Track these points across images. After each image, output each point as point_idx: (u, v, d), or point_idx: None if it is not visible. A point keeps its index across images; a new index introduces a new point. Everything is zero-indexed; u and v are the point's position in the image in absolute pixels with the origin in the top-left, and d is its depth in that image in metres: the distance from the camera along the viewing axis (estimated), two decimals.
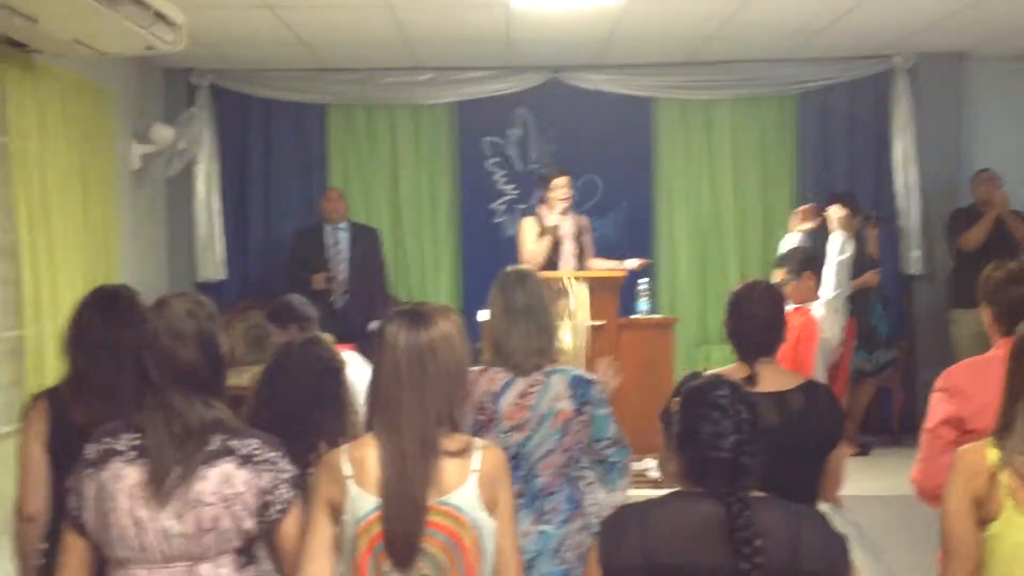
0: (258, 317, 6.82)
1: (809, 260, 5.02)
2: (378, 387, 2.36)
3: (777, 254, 5.47)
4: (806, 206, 5.56)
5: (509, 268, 3.40)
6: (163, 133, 7.06)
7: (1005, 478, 2.26)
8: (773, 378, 3.06)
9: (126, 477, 2.26)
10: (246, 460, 2.29)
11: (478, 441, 2.42)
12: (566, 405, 3.16)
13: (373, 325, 6.67)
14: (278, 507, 2.31)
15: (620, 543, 2.19)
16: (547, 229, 6.54)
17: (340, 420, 2.87)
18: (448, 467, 2.31)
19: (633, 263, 6.64)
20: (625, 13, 6.13)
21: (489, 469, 2.34)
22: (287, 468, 2.33)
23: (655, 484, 5.71)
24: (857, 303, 6.89)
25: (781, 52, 7.44)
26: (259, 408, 2.89)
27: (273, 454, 2.33)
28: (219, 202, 7.73)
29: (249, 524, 2.30)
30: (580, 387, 3.19)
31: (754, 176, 8.05)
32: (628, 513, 2.26)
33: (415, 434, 2.30)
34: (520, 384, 3.17)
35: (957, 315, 7.06)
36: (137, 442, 2.28)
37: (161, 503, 2.25)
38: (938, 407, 3.09)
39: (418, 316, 2.39)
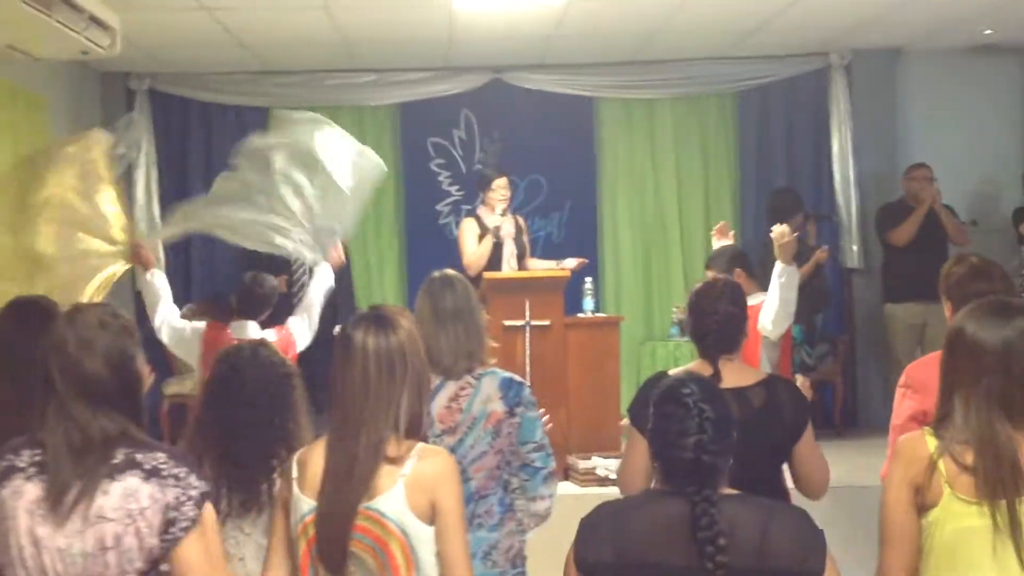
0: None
1: (738, 257, 5.06)
2: (341, 392, 2.35)
3: None
4: (721, 224, 5.60)
5: (436, 272, 3.39)
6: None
7: (943, 466, 2.30)
8: (735, 374, 3.08)
9: (25, 494, 2.16)
10: (151, 474, 2.17)
11: (422, 447, 2.40)
12: (497, 407, 3.14)
13: (336, 329, 6.63)
14: (182, 525, 2.18)
15: (594, 541, 2.20)
16: (490, 230, 6.54)
17: (297, 425, 2.85)
18: (381, 472, 2.31)
19: (571, 263, 6.67)
20: (566, 13, 6.16)
21: (422, 475, 2.32)
22: (195, 484, 2.20)
23: (603, 482, 5.76)
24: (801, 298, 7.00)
25: (720, 51, 7.53)
26: (207, 415, 2.85)
27: (181, 469, 2.20)
28: (159, 208, 7.62)
29: (152, 542, 2.17)
30: (511, 389, 3.17)
31: (696, 174, 8.13)
32: (603, 511, 2.27)
33: (371, 439, 2.30)
34: (451, 387, 3.15)
35: (890, 309, 7.17)
36: (38, 458, 2.19)
37: (60, 520, 2.14)
38: (903, 403, 3.14)
39: (383, 320, 2.38)
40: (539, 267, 6.72)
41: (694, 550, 2.11)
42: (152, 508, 2.16)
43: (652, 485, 2.38)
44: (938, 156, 7.37)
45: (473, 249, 6.57)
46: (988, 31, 7.12)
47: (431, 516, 2.33)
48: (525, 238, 6.82)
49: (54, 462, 2.17)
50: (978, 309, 2.42)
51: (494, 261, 6.55)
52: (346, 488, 2.28)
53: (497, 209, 6.60)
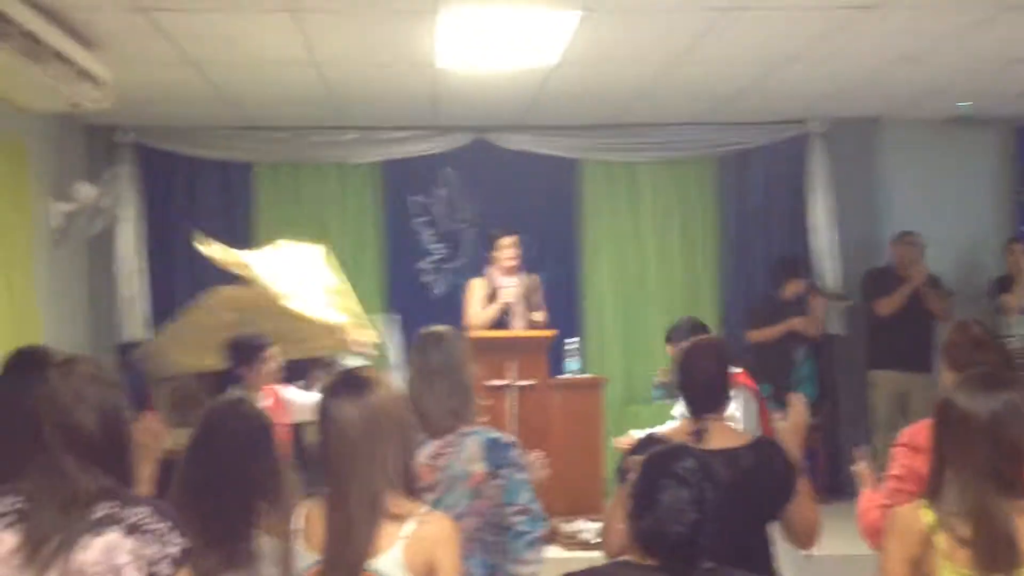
0: (185, 378, 6.70)
1: (698, 328, 5.16)
2: (327, 458, 2.35)
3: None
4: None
5: (424, 329, 3.39)
6: (85, 191, 6.93)
7: (941, 541, 2.31)
8: (722, 435, 3.08)
9: (3, 543, 2.13)
10: (133, 529, 2.13)
11: (423, 509, 2.41)
12: (479, 467, 3.11)
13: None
14: None
15: None
16: (495, 293, 6.59)
17: (276, 479, 2.83)
18: (381, 530, 2.31)
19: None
20: (550, 76, 6.23)
21: (422, 537, 2.32)
22: (175, 541, 2.16)
23: (586, 546, 5.71)
24: (779, 359, 7.05)
25: (701, 116, 7.63)
26: (189, 470, 2.83)
27: (162, 525, 2.16)
28: (143, 261, 7.61)
29: None
30: (496, 449, 3.14)
31: (677, 237, 8.19)
32: None
33: (365, 499, 2.31)
34: (434, 444, 3.14)
35: (873, 376, 7.20)
36: (19, 506, 2.15)
37: (36, 572, 2.09)
38: (901, 459, 3.16)
39: (358, 384, 2.39)
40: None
41: None
42: (132, 564, 2.12)
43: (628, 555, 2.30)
44: (918, 224, 7.47)
45: (476, 311, 6.59)
46: (965, 103, 7.25)
47: None
48: (536, 297, 6.82)
49: (35, 512, 2.13)
50: (968, 381, 2.46)
51: (504, 323, 6.63)
52: (347, 550, 2.28)
53: (505, 267, 6.70)
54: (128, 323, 7.54)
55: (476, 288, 6.75)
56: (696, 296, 8.17)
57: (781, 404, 6.98)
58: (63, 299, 7.01)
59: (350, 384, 2.40)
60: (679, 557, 2.12)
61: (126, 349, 7.43)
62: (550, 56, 5.75)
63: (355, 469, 2.32)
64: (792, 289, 7.31)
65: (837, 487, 7.53)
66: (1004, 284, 7.22)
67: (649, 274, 8.17)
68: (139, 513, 2.16)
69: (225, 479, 2.76)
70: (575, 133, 7.88)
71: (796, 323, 7.08)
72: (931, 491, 2.39)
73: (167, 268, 7.79)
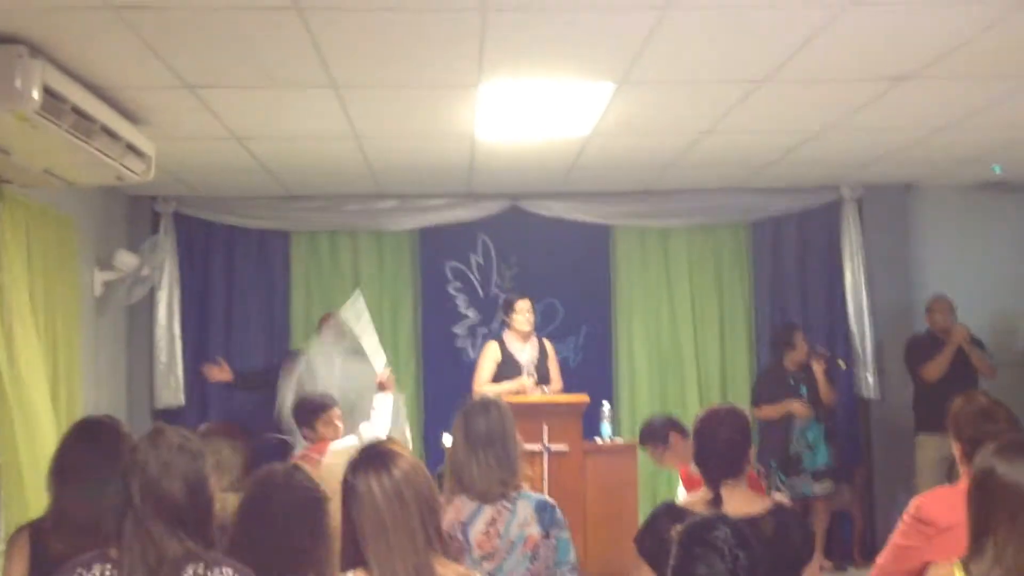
0: (218, 444, 6.74)
1: (667, 423, 5.23)
2: (363, 536, 2.38)
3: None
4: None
5: (474, 397, 3.44)
6: (126, 260, 7.07)
7: None
8: (741, 502, 3.09)
9: None
10: None
11: (476, 574, 2.45)
12: (534, 530, 3.17)
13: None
14: None
15: None
16: (508, 358, 6.65)
17: (326, 551, 2.85)
18: None
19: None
20: (585, 146, 6.32)
21: None
22: None
23: None
24: (779, 431, 7.04)
25: (733, 183, 7.69)
26: (239, 538, 2.86)
27: None
28: (179, 328, 7.71)
29: None
30: (546, 511, 3.22)
31: (711, 302, 8.21)
32: None
33: (410, 568, 2.33)
34: (488, 512, 3.18)
35: (922, 440, 7.18)
36: (108, 573, 2.27)
37: None
38: (908, 530, 3.20)
39: (379, 457, 2.44)
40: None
41: None
42: None
43: None
44: (951, 289, 7.48)
45: (485, 379, 6.64)
46: (997, 168, 7.27)
47: None
48: (550, 363, 6.86)
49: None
50: (1006, 449, 2.47)
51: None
52: None
53: (521, 330, 6.77)
54: (164, 389, 7.62)
55: (489, 352, 6.81)
56: (730, 362, 8.17)
57: (787, 474, 7.02)
58: (102, 365, 7.11)
59: (372, 458, 2.44)
60: None
61: (161, 415, 7.53)
62: (584, 127, 5.84)
63: (393, 543, 2.34)
64: (794, 359, 7.29)
65: (873, 551, 7.46)
66: None
67: (682, 339, 8.18)
68: (224, 573, 2.31)
69: (274, 548, 2.79)
70: (608, 200, 7.95)
71: (795, 407, 7.07)
72: (970, 554, 2.41)
73: (203, 334, 7.89)
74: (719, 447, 3.18)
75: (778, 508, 3.18)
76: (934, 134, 6.17)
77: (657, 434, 5.47)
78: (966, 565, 2.39)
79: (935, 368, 7.15)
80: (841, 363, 7.28)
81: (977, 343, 7.30)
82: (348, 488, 2.44)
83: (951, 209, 7.94)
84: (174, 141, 5.79)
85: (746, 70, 4.82)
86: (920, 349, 7.32)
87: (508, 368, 6.78)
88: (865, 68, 4.83)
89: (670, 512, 3.19)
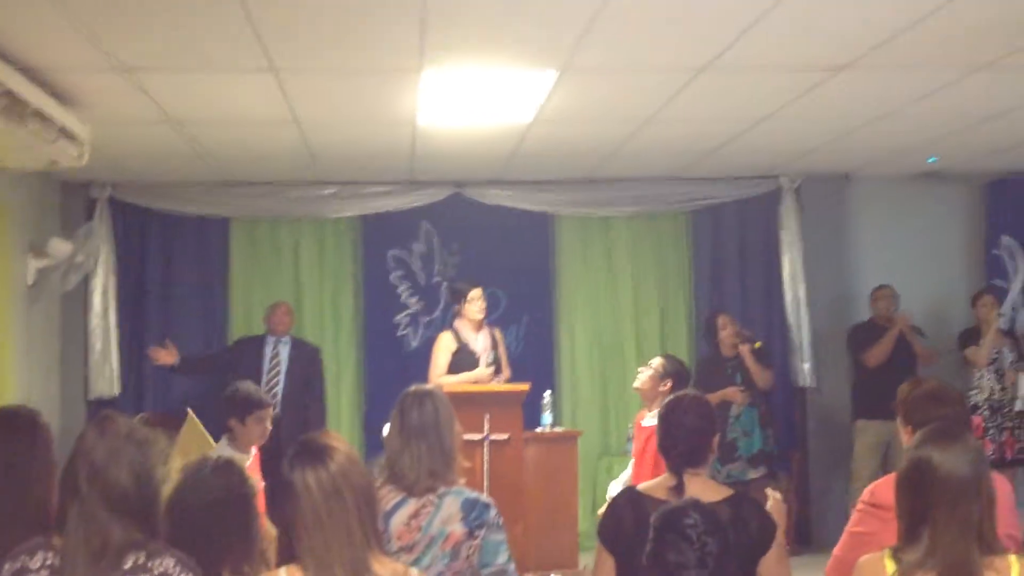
0: (156, 434, 6.65)
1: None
2: (299, 532, 2.36)
3: None
4: None
5: (411, 388, 3.40)
6: (60, 247, 6.92)
7: None
8: (701, 489, 3.10)
9: None
10: None
11: (413, 571, 2.42)
12: (457, 528, 3.11)
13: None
14: None
15: None
16: (463, 347, 6.64)
17: (245, 549, 2.81)
18: None
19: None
20: (527, 133, 6.31)
21: None
22: None
23: None
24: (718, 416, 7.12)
25: (674, 172, 7.74)
26: (168, 532, 2.81)
27: (186, 575, 2.30)
28: (115, 317, 7.57)
29: None
30: (474, 510, 3.15)
31: (651, 290, 8.26)
32: None
33: (349, 566, 2.30)
34: (412, 505, 3.13)
35: (861, 425, 7.31)
36: (51, 561, 2.26)
37: None
38: (863, 517, 3.22)
39: (315, 451, 2.41)
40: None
41: None
42: None
43: None
44: (887, 278, 7.61)
45: (442, 370, 6.61)
46: (933, 158, 7.40)
47: None
48: (500, 351, 6.86)
49: (70, 565, 2.24)
50: (938, 437, 2.46)
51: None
52: None
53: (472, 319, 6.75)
54: (99, 378, 7.49)
55: (443, 343, 6.77)
56: (671, 349, 8.17)
57: (723, 462, 7.08)
58: (35, 355, 6.96)
59: (308, 452, 2.42)
60: None
61: (95, 406, 7.40)
62: (526, 114, 5.84)
63: (331, 539, 2.32)
64: (724, 344, 7.35)
65: (806, 537, 7.59)
66: (971, 336, 7.34)
67: (623, 327, 8.23)
68: (165, 564, 2.28)
69: (201, 541, 2.74)
70: (550, 188, 7.96)
71: (731, 394, 7.16)
72: (901, 544, 2.41)
73: (140, 323, 7.76)
74: (684, 435, 3.17)
75: (737, 496, 3.18)
76: (871, 124, 6.26)
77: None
78: (897, 554, 2.40)
79: (878, 354, 7.27)
80: (757, 344, 7.36)
81: (917, 331, 7.44)
82: (284, 485, 2.41)
83: (887, 199, 8.06)
84: (110, 125, 5.68)
85: (686, 59, 4.85)
86: (863, 336, 7.45)
87: (463, 358, 6.75)
88: (802, 58, 4.87)
89: (631, 498, 3.19)
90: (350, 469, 2.39)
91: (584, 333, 8.21)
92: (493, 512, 3.18)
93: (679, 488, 3.06)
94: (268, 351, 7.22)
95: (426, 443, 3.19)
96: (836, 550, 3.28)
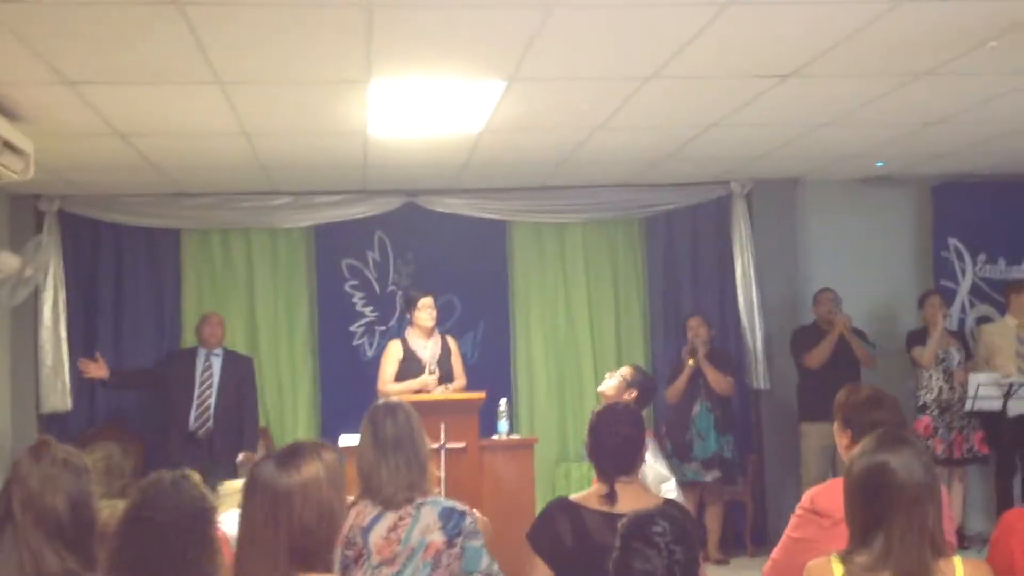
0: (108, 448, 6.59)
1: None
2: (243, 529, 2.33)
3: None
4: None
5: (380, 401, 3.40)
6: (8, 261, 6.82)
7: None
8: (633, 498, 3.13)
9: None
10: None
11: None
12: (437, 537, 3.13)
13: (240, 457, 6.59)
14: None
15: None
16: (412, 356, 6.61)
17: (212, 563, 2.79)
18: None
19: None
20: (479, 142, 6.33)
21: None
22: None
23: None
24: (679, 416, 7.20)
25: (626, 179, 7.78)
26: (122, 548, 2.78)
27: None
28: (66, 330, 7.48)
29: None
30: (452, 518, 3.17)
31: (606, 296, 8.30)
32: None
33: None
34: (389, 517, 3.13)
35: (805, 428, 7.37)
36: None
37: None
38: (801, 523, 3.23)
39: (286, 459, 2.39)
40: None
41: None
42: None
43: None
44: (837, 281, 7.69)
45: (389, 378, 6.59)
46: (881, 163, 7.50)
47: None
48: (454, 359, 6.84)
49: None
50: (890, 442, 2.48)
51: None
52: None
53: (424, 327, 6.72)
54: (50, 393, 7.39)
55: (391, 351, 6.75)
56: (626, 354, 8.26)
57: (681, 460, 7.16)
58: None
59: (280, 458, 2.40)
60: None
61: (47, 420, 7.32)
62: (476, 123, 5.85)
63: (266, 544, 2.31)
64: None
65: (763, 538, 7.65)
66: (919, 337, 7.44)
67: (579, 333, 8.26)
68: None
69: (157, 558, 2.72)
70: (503, 196, 7.97)
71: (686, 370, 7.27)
72: (851, 548, 2.43)
73: (91, 336, 7.67)
74: (615, 444, 3.21)
75: (669, 505, 3.22)
76: (818, 130, 6.33)
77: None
78: (847, 557, 2.41)
79: (818, 355, 7.35)
80: (691, 361, 7.42)
81: (859, 333, 7.53)
82: (248, 479, 2.39)
83: (836, 203, 8.15)
84: (55, 138, 5.63)
85: (633, 67, 4.88)
86: (804, 339, 7.53)
87: (411, 366, 6.72)
88: (748, 66, 4.93)
89: (564, 508, 3.22)
90: (306, 489, 2.35)
91: (540, 339, 8.23)
92: (469, 519, 3.21)
93: (611, 496, 3.09)
94: (200, 364, 7.13)
95: (403, 455, 3.20)
96: (774, 553, 3.31)
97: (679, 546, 2.22)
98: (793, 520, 3.31)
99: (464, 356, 7.81)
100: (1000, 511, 7.30)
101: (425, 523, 3.14)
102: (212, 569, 2.77)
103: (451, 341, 6.97)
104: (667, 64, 4.79)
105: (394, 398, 3.40)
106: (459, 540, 3.15)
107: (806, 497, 3.31)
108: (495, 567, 3.21)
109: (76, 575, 2.28)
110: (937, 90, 5.41)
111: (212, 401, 7.05)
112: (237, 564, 2.36)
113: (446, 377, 6.71)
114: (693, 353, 7.32)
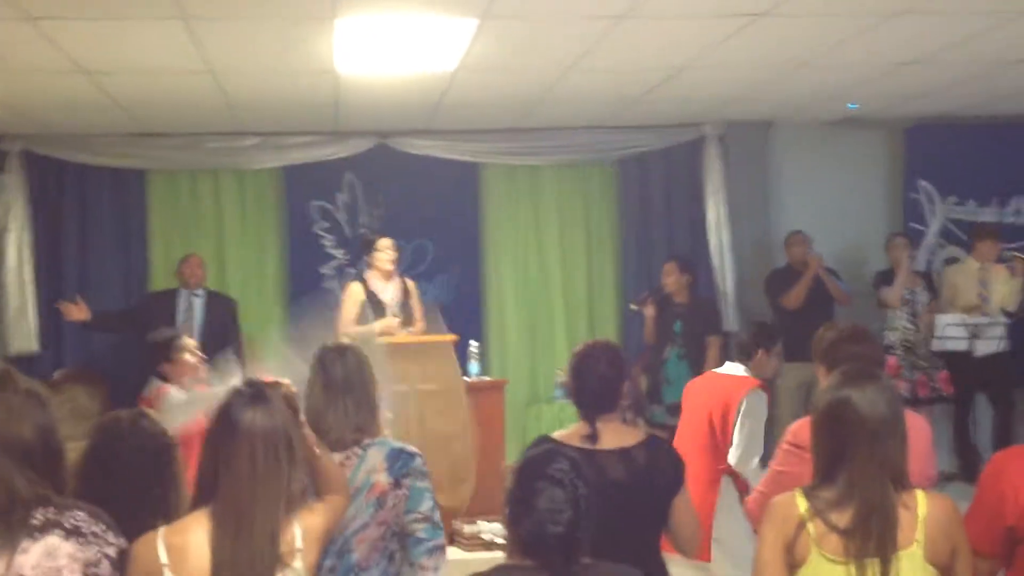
0: (76, 390, 6.54)
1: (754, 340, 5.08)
2: (227, 479, 2.33)
3: None
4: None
5: (329, 342, 3.37)
6: None
7: (813, 527, 2.40)
8: (615, 435, 3.14)
9: None
10: (71, 533, 2.21)
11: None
12: (382, 478, 3.11)
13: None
14: None
15: None
16: (372, 298, 6.56)
17: (177, 496, 2.79)
18: (277, 565, 2.31)
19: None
20: (452, 81, 6.25)
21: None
22: (112, 542, 2.25)
23: (488, 547, 5.76)
24: (654, 357, 7.23)
25: (600, 120, 7.73)
26: (86, 486, 2.77)
27: (98, 527, 2.25)
28: (32, 272, 7.40)
29: None
30: (399, 459, 3.15)
31: (579, 239, 8.29)
32: None
33: (266, 530, 2.30)
34: (336, 457, 3.13)
35: (782, 368, 7.41)
36: None
37: None
38: (786, 457, 3.30)
39: (265, 397, 2.38)
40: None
41: None
42: (71, 566, 2.18)
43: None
44: (808, 223, 7.73)
45: (349, 320, 6.53)
46: (853, 104, 7.49)
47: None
48: (413, 302, 6.80)
49: None
50: (854, 377, 2.51)
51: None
52: None
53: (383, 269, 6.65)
54: (16, 334, 7.33)
55: (352, 293, 6.69)
56: (597, 298, 8.30)
57: (651, 401, 7.18)
58: None
59: (258, 398, 2.38)
60: (558, 556, 2.17)
61: (14, 362, 7.25)
62: (448, 62, 5.77)
63: (257, 495, 2.28)
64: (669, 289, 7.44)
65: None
66: (886, 278, 7.50)
67: (551, 275, 8.25)
68: (76, 517, 2.23)
69: (119, 496, 2.71)
70: (476, 137, 7.90)
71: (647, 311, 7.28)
72: (815, 483, 2.46)
73: (57, 278, 7.60)
74: (595, 383, 3.19)
75: (651, 439, 3.23)
76: (791, 71, 6.30)
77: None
78: (811, 492, 2.44)
79: (794, 297, 7.41)
80: (633, 306, 7.45)
81: (833, 273, 7.59)
82: (225, 423, 2.37)
83: (809, 145, 8.14)
84: (17, 75, 5.53)
85: (605, 6, 4.82)
86: (779, 281, 7.57)
87: (372, 309, 6.70)
88: (721, 5, 4.88)
89: (546, 444, 3.22)
90: (290, 423, 2.37)
91: (512, 282, 8.22)
92: (419, 460, 3.18)
93: (593, 436, 3.10)
94: (181, 305, 7.10)
95: (352, 398, 3.17)
96: (759, 486, 3.37)
97: (582, 481, 2.23)
98: (778, 454, 3.38)
99: (437, 299, 7.82)
100: (958, 449, 7.47)
101: (371, 464, 3.12)
102: (176, 502, 2.78)
103: (410, 284, 6.92)
104: (639, 3, 4.73)
105: (344, 339, 3.36)
106: (406, 481, 3.13)
107: (789, 431, 3.37)
108: (436, 514, 3.18)
109: (48, 500, 2.25)
110: (913, 29, 5.37)
111: (197, 341, 7.00)
112: (224, 517, 2.35)
113: (407, 320, 6.66)
114: (641, 302, 7.32)
